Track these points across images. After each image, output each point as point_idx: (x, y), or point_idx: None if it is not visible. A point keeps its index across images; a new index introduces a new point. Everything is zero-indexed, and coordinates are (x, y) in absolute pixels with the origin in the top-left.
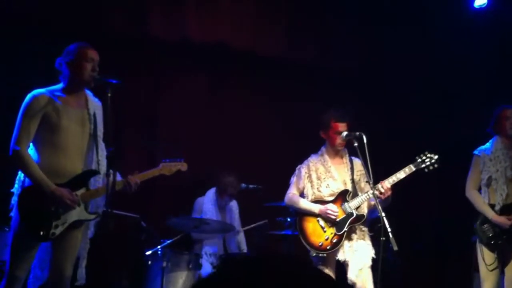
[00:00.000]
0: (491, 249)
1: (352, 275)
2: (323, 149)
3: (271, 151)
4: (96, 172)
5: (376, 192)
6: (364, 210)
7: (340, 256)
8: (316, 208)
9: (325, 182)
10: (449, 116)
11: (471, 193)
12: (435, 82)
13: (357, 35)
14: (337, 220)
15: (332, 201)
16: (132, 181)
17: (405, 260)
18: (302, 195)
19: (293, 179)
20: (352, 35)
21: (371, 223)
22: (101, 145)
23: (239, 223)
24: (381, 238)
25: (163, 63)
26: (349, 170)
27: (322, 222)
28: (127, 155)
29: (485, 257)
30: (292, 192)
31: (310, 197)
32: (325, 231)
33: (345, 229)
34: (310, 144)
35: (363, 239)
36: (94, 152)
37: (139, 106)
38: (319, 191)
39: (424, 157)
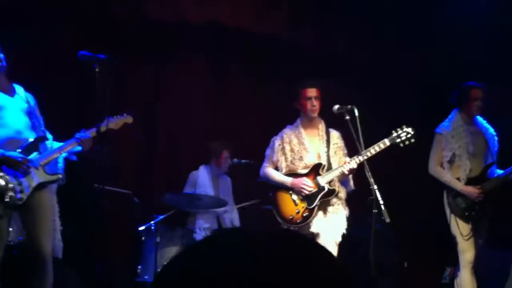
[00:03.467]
0: (466, 220)
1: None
2: (298, 120)
3: (270, 129)
4: (44, 138)
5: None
6: (336, 185)
7: (313, 228)
8: (288, 180)
9: (299, 154)
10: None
11: (436, 169)
12: (435, 67)
13: (358, 19)
14: (309, 193)
15: (305, 175)
16: (84, 140)
17: (398, 233)
18: (277, 168)
19: (268, 151)
20: (353, 19)
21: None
22: (46, 131)
23: (233, 200)
24: (374, 211)
25: (162, 45)
26: (325, 142)
27: (294, 196)
28: (125, 136)
29: (461, 229)
30: (266, 165)
31: (284, 170)
32: (296, 205)
33: (316, 203)
34: None
35: (337, 213)
36: (38, 126)
37: (137, 88)
38: (293, 163)
39: (400, 131)
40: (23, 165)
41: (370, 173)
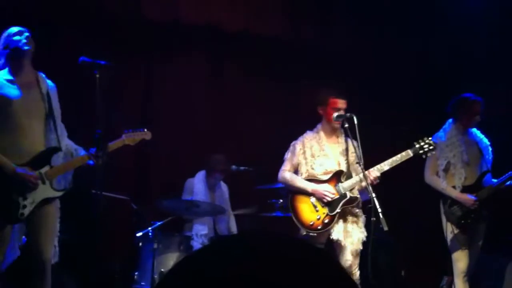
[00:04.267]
0: (462, 229)
1: (348, 257)
2: (319, 126)
3: (264, 133)
4: (57, 149)
5: (367, 174)
6: (357, 192)
7: (334, 235)
8: (310, 187)
9: (319, 160)
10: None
11: (432, 178)
12: (434, 64)
13: (356, 14)
14: (331, 200)
15: (326, 181)
16: (95, 155)
17: (396, 241)
18: (296, 172)
19: (287, 155)
20: (351, 13)
21: (363, 205)
22: (61, 125)
23: (229, 206)
24: (372, 219)
25: (160, 45)
26: (344, 150)
27: (314, 201)
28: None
29: (457, 238)
30: (286, 169)
31: (303, 175)
32: (317, 211)
33: (337, 210)
34: (304, 126)
35: (357, 222)
36: (53, 131)
37: (133, 89)
38: (312, 168)
39: (422, 143)
40: (31, 183)
41: (369, 181)
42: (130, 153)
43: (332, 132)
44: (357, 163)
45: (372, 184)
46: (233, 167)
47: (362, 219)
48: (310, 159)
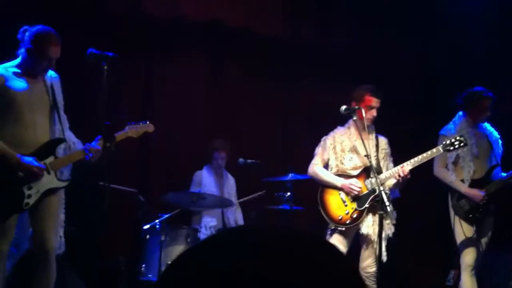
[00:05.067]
0: (470, 222)
1: (383, 251)
2: (350, 121)
3: (264, 133)
4: (62, 140)
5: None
6: (387, 188)
7: (364, 229)
8: (339, 182)
9: (349, 155)
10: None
11: (440, 171)
12: (434, 64)
13: (356, 14)
14: (359, 195)
15: (355, 176)
16: (92, 150)
17: (403, 234)
18: (326, 166)
19: (318, 150)
20: (351, 13)
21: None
22: (63, 117)
23: (236, 199)
24: (379, 212)
25: (161, 43)
26: (374, 146)
27: (343, 196)
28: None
29: (465, 232)
30: (316, 163)
31: (333, 169)
32: (346, 205)
33: (366, 205)
34: (304, 126)
35: (385, 218)
36: (57, 122)
37: (133, 89)
38: (342, 163)
39: (453, 139)
40: (36, 174)
41: (376, 175)
42: (130, 154)
43: (363, 128)
44: (365, 155)
45: (404, 179)
46: (240, 160)
47: (391, 215)
48: (340, 154)
